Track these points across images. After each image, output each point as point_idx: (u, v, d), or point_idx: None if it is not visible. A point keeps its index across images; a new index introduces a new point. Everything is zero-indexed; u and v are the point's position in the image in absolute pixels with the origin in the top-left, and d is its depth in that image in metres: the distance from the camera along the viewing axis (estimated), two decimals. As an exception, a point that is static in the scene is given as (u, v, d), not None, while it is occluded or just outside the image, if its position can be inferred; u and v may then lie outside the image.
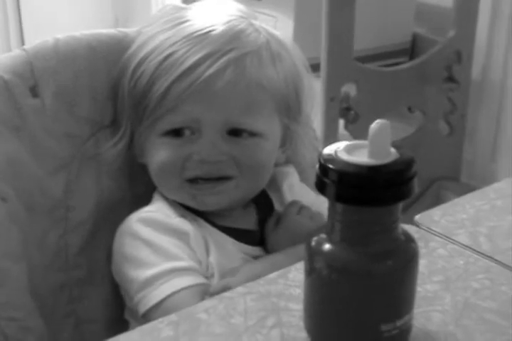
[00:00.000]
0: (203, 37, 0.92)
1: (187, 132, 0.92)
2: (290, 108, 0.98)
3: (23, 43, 2.91)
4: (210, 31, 0.92)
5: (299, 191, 1.02)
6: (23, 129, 0.92)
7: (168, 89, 0.91)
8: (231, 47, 0.92)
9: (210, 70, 0.90)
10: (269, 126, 0.96)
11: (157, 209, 0.96)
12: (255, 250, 0.96)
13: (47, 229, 0.95)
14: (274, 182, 1.03)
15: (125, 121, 0.97)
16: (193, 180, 0.94)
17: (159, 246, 0.91)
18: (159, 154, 0.94)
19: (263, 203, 1.01)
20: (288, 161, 1.04)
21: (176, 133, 0.93)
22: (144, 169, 0.99)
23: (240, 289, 0.81)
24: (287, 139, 1.00)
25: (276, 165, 1.01)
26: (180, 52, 0.91)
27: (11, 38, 2.97)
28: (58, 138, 0.95)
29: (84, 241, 0.97)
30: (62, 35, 0.96)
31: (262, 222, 1.00)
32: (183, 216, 0.95)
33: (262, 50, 0.94)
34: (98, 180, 0.99)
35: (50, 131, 0.94)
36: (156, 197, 0.99)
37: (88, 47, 0.97)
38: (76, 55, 0.96)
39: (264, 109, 0.94)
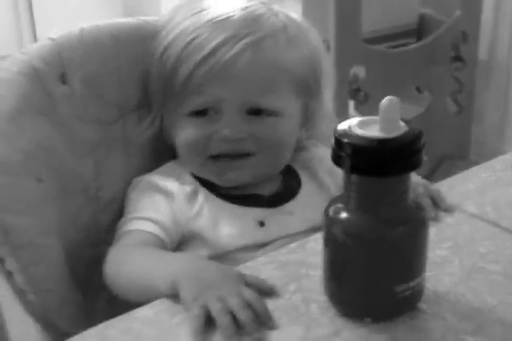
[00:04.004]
0: (222, 22, 0.98)
1: (211, 112, 0.99)
2: (310, 88, 1.03)
3: (34, 30, 2.95)
4: (229, 17, 0.98)
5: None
6: (55, 115, 0.98)
7: (191, 73, 0.97)
8: (248, 32, 0.97)
9: (229, 54, 0.96)
10: (288, 105, 1.01)
11: (161, 172, 1.04)
12: (263, 210, 1.01)
13: (80, 208, 1.02)
14: (306, 164, 1.08)
15: (155, 105, 1.03)
16: (215, 157, 1.00)
17: (137, 203, 1.01)
18: (184, 133, 1.00)
19: (289, 174, 1.07)
20: (310, 137, 1.09)
21: (201, 113, 0.99)
22: (169, 149, 1.05)
23: (261, 259, 0.87)
24: (309, 117, 1.05)
25: (300, 141, 1.06)
26: (202, 37, 0.97)
27: (22, 24, 3.01)
28: (88, 123, 1.01)
29: (114, 218, 1.02)
30: (86, 25, 1.02)
31: (286, 186, 1.05)
32: (183, 182, 1.02)
33: (278, 33, 0.99)
34: (126, 161, 1.05)
35: (80, 116, 1.00)
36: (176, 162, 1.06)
37: (111, 35, 1.02)
38: (100, 44, 1.01)
39: (281, 89, 1.00)
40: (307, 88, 1.03)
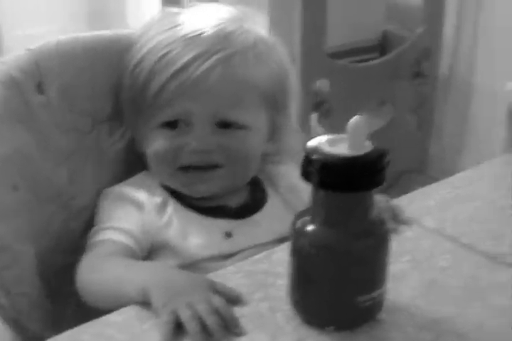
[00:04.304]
0: (195, 38, 1.01)
1: (181, 124, 1.01)
2: (277, 103, 1.07)
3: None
4: (201, 33, 1.01)
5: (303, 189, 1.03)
6: (33, 122, 1.00)
7: (163, 87, 1.00)
8: (219, 48, 1.00)
9: (200, 70, 0.99)
10: (256, 119, 1.04)
11: (132, 183, 1.06)
12: (230, 222, 1.04)
13: (52, 215, 1.04)
14: (270, 178, 1.12)
15: (126, 117, 1.06)
16: (185, 169, 1.02)
17: (108, 213, 1.03)
18: (155, 145, 1.03)
19: (256, 186, 1.10)
20: (278, 152, 1.12)
21: (171, 125, 1.02)
22: (140, 160, 1.08)
23: (230, 268, 0.90)
24: (276, 131, 1.08)
25: (267, 155, 1.10)
26: (174, 52, 1.00)
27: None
28: (64, 132, 1.03)
29: (85, 226, 1.05)
30: (63, 37, 1.04)
31: (253, 198, 1.08)
32: (153, 194, 1.04)
33: (248, 50, 1.02)
34: (99, 170, 1.08)
35: (56, 125, 1.02)
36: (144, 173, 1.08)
37: (88, 47, 1.05)
38: (77, 55, 1.04)
39: (250, 104, 1.03)
40: (275, 103, 1.06)
